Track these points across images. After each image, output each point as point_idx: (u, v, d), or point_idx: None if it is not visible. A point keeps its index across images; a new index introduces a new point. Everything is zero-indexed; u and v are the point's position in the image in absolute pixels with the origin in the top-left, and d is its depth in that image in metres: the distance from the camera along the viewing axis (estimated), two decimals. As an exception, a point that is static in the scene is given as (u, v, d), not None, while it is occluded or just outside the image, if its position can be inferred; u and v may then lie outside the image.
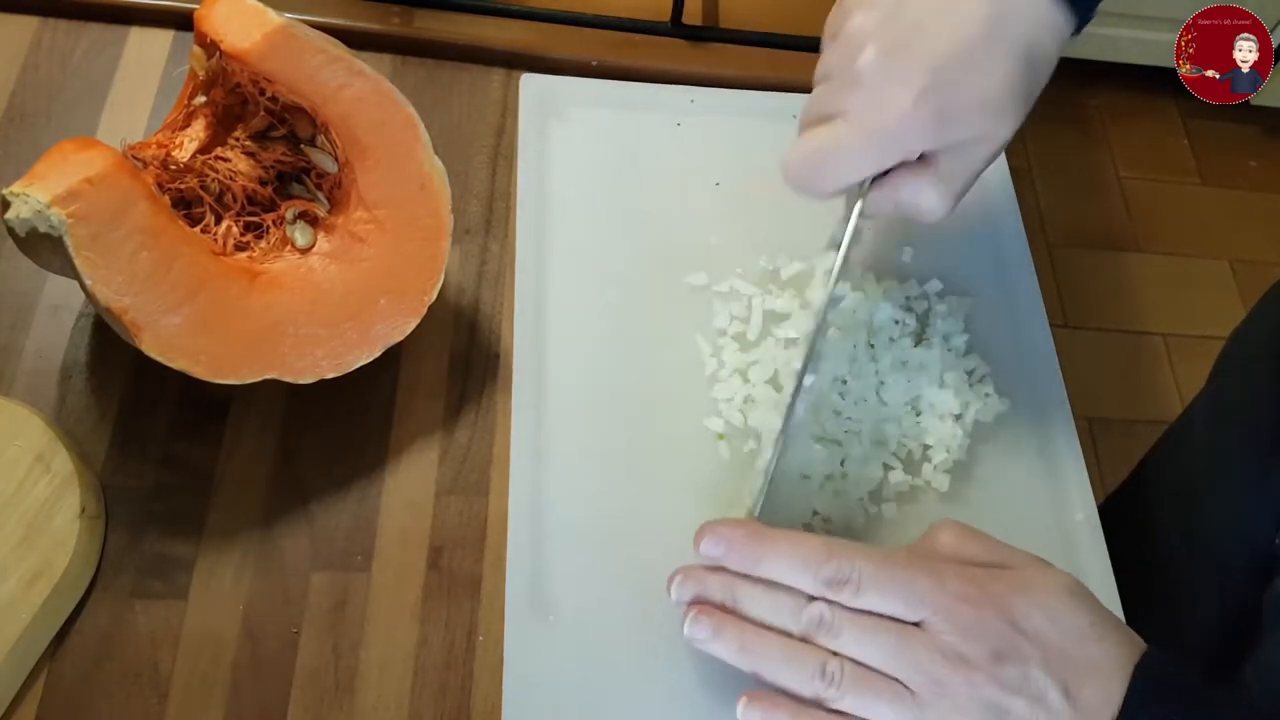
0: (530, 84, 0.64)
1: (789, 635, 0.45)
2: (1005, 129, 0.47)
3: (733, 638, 0.45)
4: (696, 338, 0.58)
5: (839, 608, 0.45)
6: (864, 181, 0.50)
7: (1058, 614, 0.44)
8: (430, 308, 0.53)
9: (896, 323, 0.58)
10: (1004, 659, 0.43)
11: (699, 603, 0.47)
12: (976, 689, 0.43)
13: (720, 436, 0.55)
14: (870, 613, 0.44)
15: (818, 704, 0.44)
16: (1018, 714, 0.42)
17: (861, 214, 0.50)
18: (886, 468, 0.55)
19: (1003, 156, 0.62)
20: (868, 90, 0.47)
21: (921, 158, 0.48)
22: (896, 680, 0.43)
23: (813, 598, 0.45)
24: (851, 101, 0.47)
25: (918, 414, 0.56)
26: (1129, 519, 0.82)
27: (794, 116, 0.65)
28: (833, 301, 0.51)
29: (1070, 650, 0.44)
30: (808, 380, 0.51)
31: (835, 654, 0.44)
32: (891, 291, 0.59)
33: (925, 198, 0.49)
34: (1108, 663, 0.44)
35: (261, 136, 0.55)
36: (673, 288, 0.59)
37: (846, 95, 0.48)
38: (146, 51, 0.63)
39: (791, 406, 0.50)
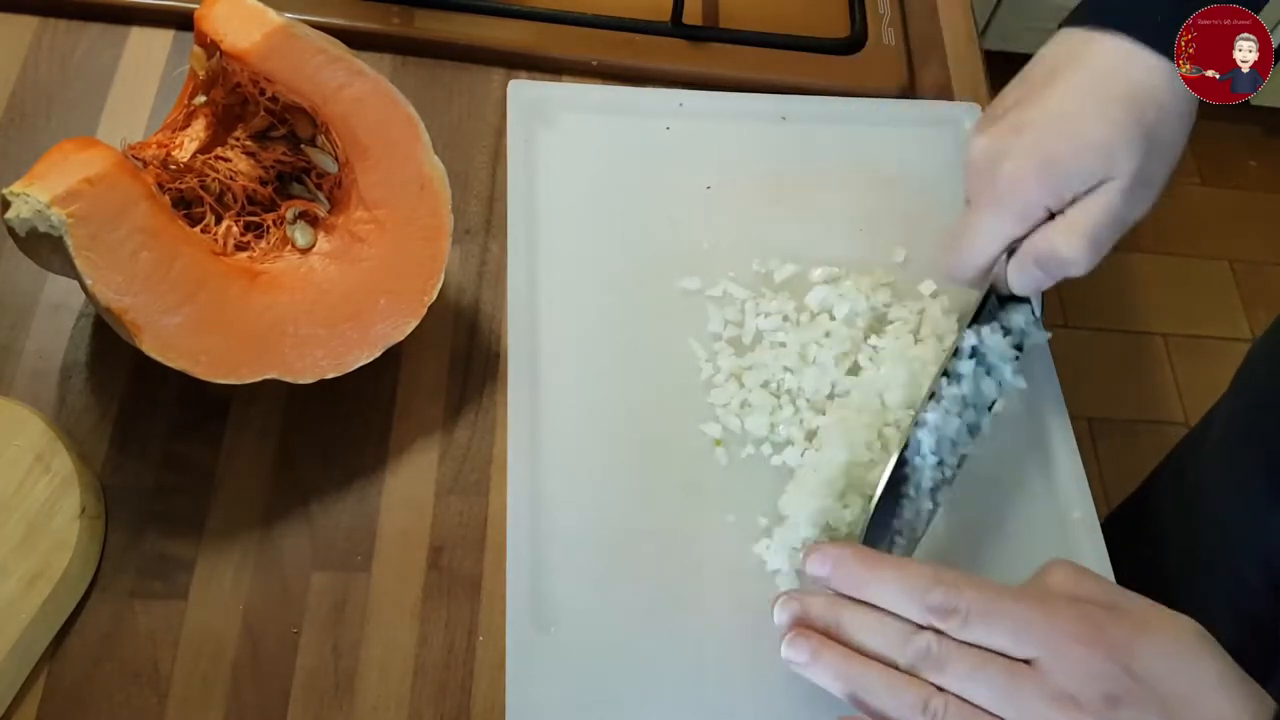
0: (518, 91, 0.64)
1: (892, 665, 0.43)
2: (1124, 166, 0.49)
3: (832, 663, 0.43)
4: (691, 342, 0.57)
5: (946, 639, 0.42)
6: (1004, 256, 0.53)
7: (1182, 660, 0.41)
8: (430, 308, 0.53)
9: (893, 322, 0.58)
10: (1119, 704, 0.40)
11: (800, 625, 0.45)
12: None
13: (717, 443, 0.55)
14: (978, 647, 0.42)
15: None
16: None
17: (1005, 290, 0.54)
18: None
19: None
20: (979, 171, 0.52)
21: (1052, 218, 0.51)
22: None
23: (920, 628, 0.43)
24: (972, 189, 0.53)
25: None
26: (1138, 531, 0.81)
27: (783, 118, 0.66)
28: (960, 352, 0.53)
29: (1193, 700, 0.40)
30: (931, 417, 0.51)
31: (940, 689, 0.42)
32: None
33: (1058, 244, 0.50)
34: (1234, 718, 0.40)
35: (261, 136, 0.55)
36: (665, 292, 0.59)
37: (970, 188, 0.54)
38: (146, 51, 0.63)
39: (912, 443, 0.50)
